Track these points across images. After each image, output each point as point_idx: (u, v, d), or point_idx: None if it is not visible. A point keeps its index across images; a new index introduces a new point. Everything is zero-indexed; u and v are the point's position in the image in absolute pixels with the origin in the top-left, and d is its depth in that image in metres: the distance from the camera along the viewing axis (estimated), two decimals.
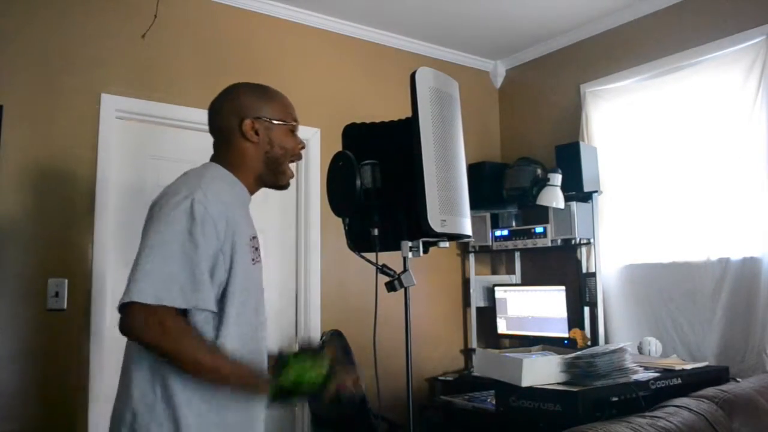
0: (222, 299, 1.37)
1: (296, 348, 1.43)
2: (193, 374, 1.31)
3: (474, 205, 2.19)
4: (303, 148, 1.59)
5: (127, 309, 1.27)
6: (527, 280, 3.94)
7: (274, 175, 1.54)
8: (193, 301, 1.30)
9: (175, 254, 1.29)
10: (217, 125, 1.53)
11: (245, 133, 1.48)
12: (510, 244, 3.70)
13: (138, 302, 1.25)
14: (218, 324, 1.36)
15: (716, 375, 2.59)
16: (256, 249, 1.49)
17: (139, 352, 1.34)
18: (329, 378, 1.41)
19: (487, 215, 3.79)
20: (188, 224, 1.30)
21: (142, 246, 1.31)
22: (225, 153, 1.51)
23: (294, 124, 1.55)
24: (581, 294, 3.45)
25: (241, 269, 1.40)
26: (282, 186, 1.57)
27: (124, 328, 1.28)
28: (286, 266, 3.30)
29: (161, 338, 1.27)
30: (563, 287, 3.42)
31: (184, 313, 1.32)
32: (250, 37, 3.26)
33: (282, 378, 1.37)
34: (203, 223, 1.32)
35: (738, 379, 2.59)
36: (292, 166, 1.58)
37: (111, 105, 2.79)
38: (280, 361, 1.41)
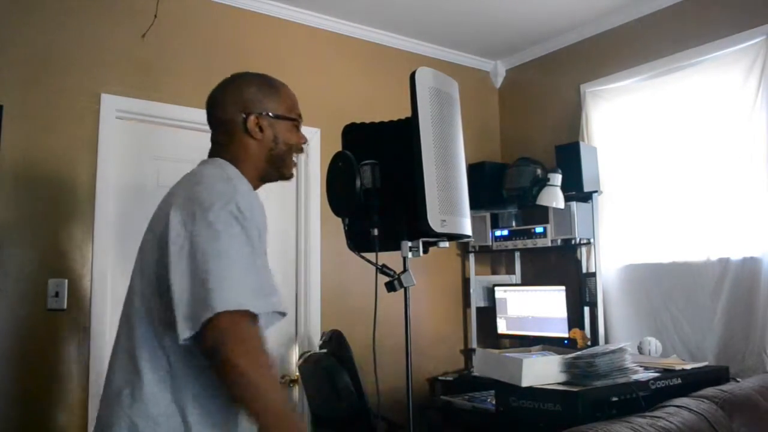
0: None
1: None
2: (246, 399, 1.20)
3: (474, 205, 2.19)
4: (306, 142, 1.56)
5: (211, 323, 1.17)
6: (527, 280, 3.93)
7: (277, 169, 1.50)
8: (269, 306, 1.25)
9: (240, 261, 1.23)
10: (219, 118, 1.47)
11: (250, 130, 1.43)
12: (510, 244, 3.70)
13: (223, 312, 1.16)
14: None
15: (716, 375, 2.59)
16: (265, 253, 1.46)
17: (152, 352, 1.27)
18: None
19: (487, 215, 3.79)
20: (242, 228, 1.26)
21: (204, 260, 1.21)
22: (227, 147, 1.45)
23: (298, 120, 1.52)
24: (581, 294, 3.45)
25: None
26: (286, 178, 1.54)
27: (211, 341, 1.17)
28: (286, 266, 3.29)
29: (244, 358, 1.17)
30: (563, 287, 3.42)
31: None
32: (250, 37, 3.26)
33: None
34: (251, 228, 1.28)
35: (738, 379, 2.59)
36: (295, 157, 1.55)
37: (111, 105, 2.79)
38: None
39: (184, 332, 1.19)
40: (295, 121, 1.51)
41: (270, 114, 1.46)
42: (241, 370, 1.17)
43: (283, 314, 1.30)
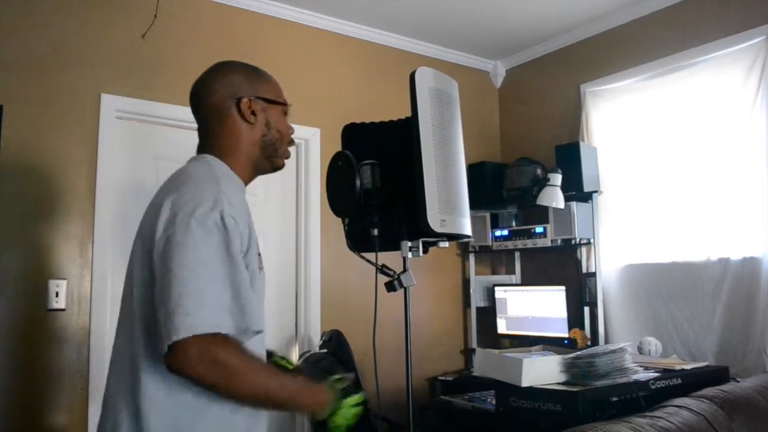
0: None
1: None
2: (254, 406, 1.25)
3: (474, 205, 2.19)
4: (293, 132, 1.51)
5: (178, 345, 1.11)
6: (527, 280, 3.93)
7: (268, 159, 1.44)
8: (243, 324, 1.18)
9: (217, 275, 1.16)
10: (209, 103, 1.40)
11: (243, 113, 1.37)
12: (510, 244, 3.70)
13: (191, 336, 1.10)
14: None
15: (716, 375, 2.59)
16: (259, 255, 1.39)
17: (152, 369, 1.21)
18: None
19: (487, 215, 3.79)
20: (224, 239, 1.19)
21: (178, 269, 1.14)
22: (217, 137, 1.38)
23: (288, 105, 1.48)
24: (581, 294, 3.45)
25: (255, 279, 1.30)
26: (278, 168, 1.48)
27: (177, 367, 1.13)
28: (286, 266, 3.29)
29: (221, 377, 1.14)
30: (563, 287, 3.42)
31: None
32: (250, 36, 3.26)
33: (337, 419, 1.38)
34: (234, 236, 1.20)
35: (738, 379, 2.59)
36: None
37: (111, 105, 2.79)
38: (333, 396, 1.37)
39: (160, 349, 1.14)
40: (285, 107, 1.47)
41: (262, 97, 1.41)
42: (214, 386, 1.16)
43: (259, 332, 1.24)
